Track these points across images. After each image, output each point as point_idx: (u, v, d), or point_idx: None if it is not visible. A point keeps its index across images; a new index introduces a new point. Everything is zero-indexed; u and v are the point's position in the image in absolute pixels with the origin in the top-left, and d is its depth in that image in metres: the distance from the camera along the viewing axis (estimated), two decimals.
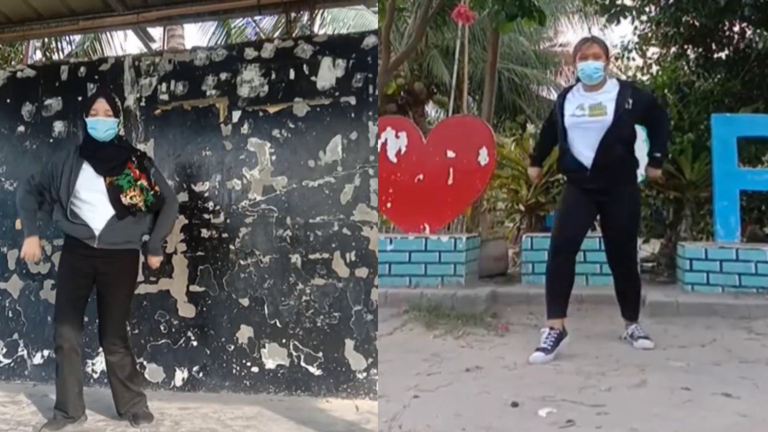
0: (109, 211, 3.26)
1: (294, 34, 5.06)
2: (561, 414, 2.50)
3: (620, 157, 3.36)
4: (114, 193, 3.27)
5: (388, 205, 5.04)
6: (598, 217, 3.57)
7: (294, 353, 3.93)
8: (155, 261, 3.48)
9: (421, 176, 5.04)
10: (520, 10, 4.87)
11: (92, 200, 3.27)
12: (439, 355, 3.39)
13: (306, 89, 4.09)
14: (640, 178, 3.76)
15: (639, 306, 3.64)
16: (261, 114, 4.15)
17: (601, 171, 3.33)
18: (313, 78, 4.07)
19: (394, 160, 5.05)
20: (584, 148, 3.36)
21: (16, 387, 4.15)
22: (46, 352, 4.31)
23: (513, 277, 5.19)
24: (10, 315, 4.46)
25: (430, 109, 14.10)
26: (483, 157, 4.92)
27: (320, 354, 3.88)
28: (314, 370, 3.88)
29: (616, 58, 7.48)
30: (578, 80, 3.50)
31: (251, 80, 4.19)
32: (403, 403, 2.65)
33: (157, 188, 3.38)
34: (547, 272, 3.46)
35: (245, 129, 4.16)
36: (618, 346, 3.53)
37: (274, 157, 4.11)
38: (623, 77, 9.14)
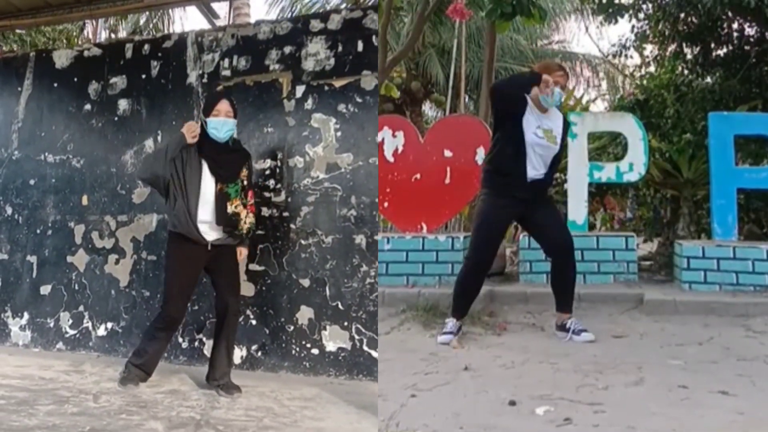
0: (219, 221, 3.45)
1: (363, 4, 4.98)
2: (558, 412, 2.50)
3: (553, 178, 3.79)
4: (221, 201, 3.41)
5: (386, 204, 5.03)
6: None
7: (356, 336, 3.86)
8: (245, 251, 3.70)
9: (418, 175, 5.03)
10: (519, 8, 4.84)
11: (208, 209, 3.43)
12: (436, 354, 3.38)
13: (375, 61, 3.98)
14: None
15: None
16: (326, 88, 4.06)
17: (536, 185, 3.61)
18: None
19: (392, 159, 5.03)
20: (537, 164, 3.61)
21: (80, 357, 4.33)
22: (109, 325, 4.41)
23: (511, 276, 5.18)
24: (76, 288, 4.56)
25: (428, 108, 14.10)
26: (480, 156, 4.91)
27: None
28: (377, 354, 3.78)
29: (614, 56, 7.48)
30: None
31: (317, 53, 4.11)
32: (401, 403, 2.64)
33: (253, 209, 3.60)
34: (463, 280, 3.69)
35: (309, 104, 4.09)
36: (615, 344, 3.53)
37: (339, 134, 4.02)
38: (621, 76, 9.15)
